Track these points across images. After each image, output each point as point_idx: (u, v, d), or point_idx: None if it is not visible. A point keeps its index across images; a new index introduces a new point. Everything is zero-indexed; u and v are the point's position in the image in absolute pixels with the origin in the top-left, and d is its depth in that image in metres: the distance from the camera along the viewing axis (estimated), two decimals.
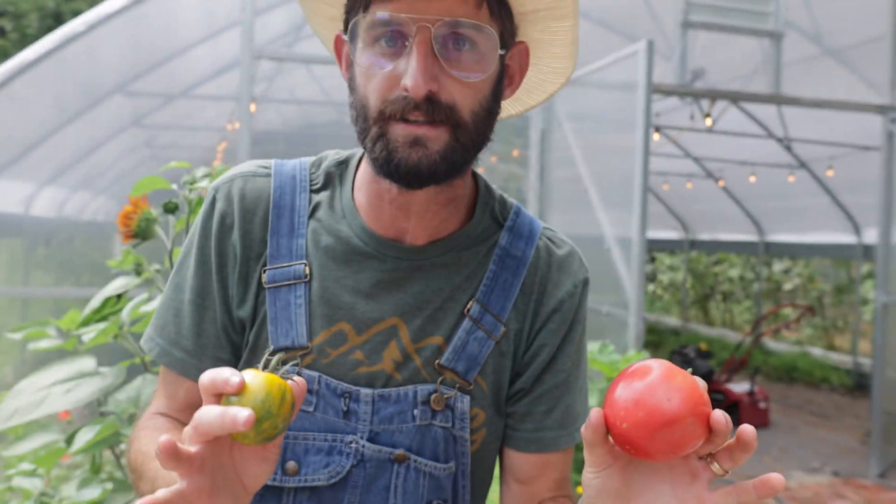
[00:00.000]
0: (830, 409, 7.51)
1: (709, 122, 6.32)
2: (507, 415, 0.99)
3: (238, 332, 0.94)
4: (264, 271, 0.91)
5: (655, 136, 7.83)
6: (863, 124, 6.17)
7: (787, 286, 11.30)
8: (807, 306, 7.43)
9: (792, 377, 8.94)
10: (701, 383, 0.69)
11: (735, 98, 4.77)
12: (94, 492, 1.27)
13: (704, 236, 11.39)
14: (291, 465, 0.88)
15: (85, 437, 1.29)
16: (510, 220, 0.99)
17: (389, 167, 0.83)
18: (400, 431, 0.90)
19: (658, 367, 0.69)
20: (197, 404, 0.87)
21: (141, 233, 1.41)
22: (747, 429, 0.68)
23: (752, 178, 8.36)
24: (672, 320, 12.83)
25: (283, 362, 0.85)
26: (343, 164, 0.98)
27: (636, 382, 0.69)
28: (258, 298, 0.92)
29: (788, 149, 7.75)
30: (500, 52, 0.86)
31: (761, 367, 8.68)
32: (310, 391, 0.89)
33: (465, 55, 0.83)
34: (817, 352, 9.91)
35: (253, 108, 4.21)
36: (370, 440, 0.89)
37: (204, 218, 0.94)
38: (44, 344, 1.43)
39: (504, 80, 0.91)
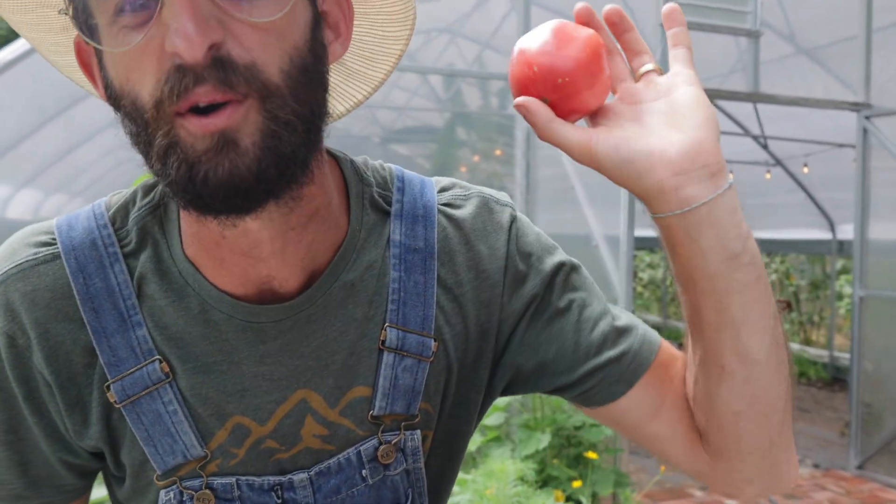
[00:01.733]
0: (809, 403, 7.52)
1: None
2: (566, 388, 0.80)
3: (90, 458, 0.73)
4: (107, 387, 0.67)
5: None
6: (837, 122, 6.18)
7: None
8: (784, 301, 7.45)
9: None
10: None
11: (714, 96, 4.74)
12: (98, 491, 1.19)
13: None
14: None
15: None
16: (395, 202, 0.75)
17: (195, 189, 0.57)
18: (351, 497, 0.74)
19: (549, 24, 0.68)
20: None
21: None
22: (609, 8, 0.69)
23: (730, 176, 8.34)
24: (652, 317, 12.83)
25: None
26: (160, 210, 0.71)
27: (531, 38, 0.67)
28: (109, 420, 0.69)
29: (765, 146, 7.76)
30: None
31: None
32: (229, 499, 0.70)
33: None
34: (794, 346, 9.94)
35: None
36: None
37: None
38: None
39: (323, 28, 0.65)
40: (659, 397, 0.79)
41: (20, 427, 0.70)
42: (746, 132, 7.47)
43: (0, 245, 0.72)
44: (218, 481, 0.70)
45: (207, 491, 0.70)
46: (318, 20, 0.64)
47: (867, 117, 4.97)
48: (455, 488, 1.83)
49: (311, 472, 0.72)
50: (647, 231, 12.89)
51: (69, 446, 0.71)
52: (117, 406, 0.68)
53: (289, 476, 0.72)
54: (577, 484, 3.54)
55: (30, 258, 0.68)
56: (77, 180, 5.47)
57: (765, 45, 4.77)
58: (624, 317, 0.82)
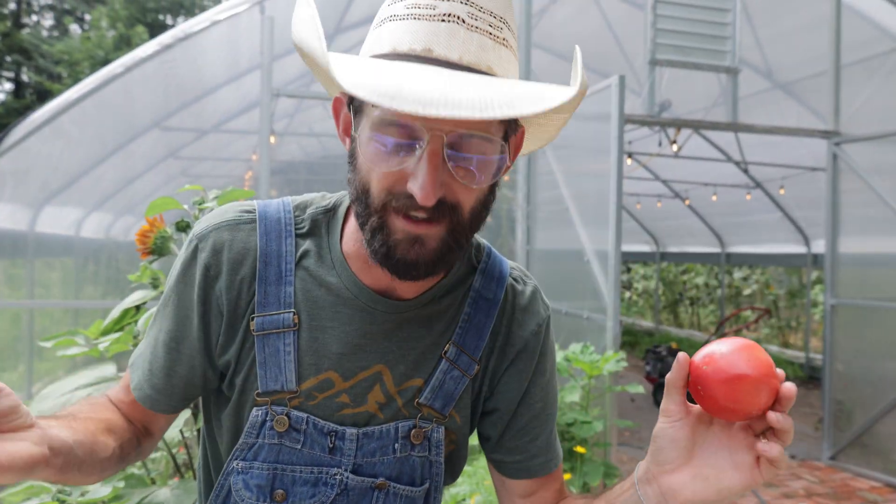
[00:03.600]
0: None
1: (675, 147, 6.27)
2: (493, 449, 0.95)
3: (216, 376, 0.86)
4: (252, 318, 0.82)
5: (628, 161, 7.79)
6: (810, 149, 6.13)
7: (747, 291, 11.20)
8: (764, 309, 7.35)
9: None
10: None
11: (697, 126, 4.72)
12: (104, 489, 1.20)
13: (673, 249, 11.32)
14: (279, 493, 0.84)
15: None
16: (483, 262, 0.92)
17: (388, 262, 0.75)
18: (381, 463, 0.86)
19: (742, 340, 0.73)
20: (151, 429, 0.88)
21: (157, 249, 1.35)
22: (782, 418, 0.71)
23: (714, 197, 8.30)
24: (646, 323, 12.72)
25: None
26: (330, 213, 0.88)
27: (723, 345, 0.72)
28: (245, 344, 0.83)
29: (745, 171, 7.70)
30: (507, 163, 0.76)
31: None
32: (297, 430, 0.83)
33: (473, 162, 0.73)
34: (774, 349, 9.79)
35: (273, 140, 4.16)
36: (353, 472, 0.85)
37: (185, 266, 0.84)
38: (71, 351, 1.37)
39: (503, 169, 0.79)
40: (538, 494, 0.95)
41: (185, 340, 0.83)
42: (729, 158, 7.42)
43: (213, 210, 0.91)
44: (295, 413, 0.82)
45: (285, 417, 0.82)
46: (501, 168, 0.76)
47: (837, 144, 4.92)
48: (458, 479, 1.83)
49: (360, 431, 0.84)
50: (642, 247, 12.76)
51: (213, 362, 0.84)
52: (253, 334, 0.82)
53: (344, 428, 0.83)
54: (567, 476, 3.50)
55: (236, 218, 0.85)
56: (141, 204, 5.53)
57: (743, 80, 4.74)
58: (556, 437, 0.98)
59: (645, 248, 11.73)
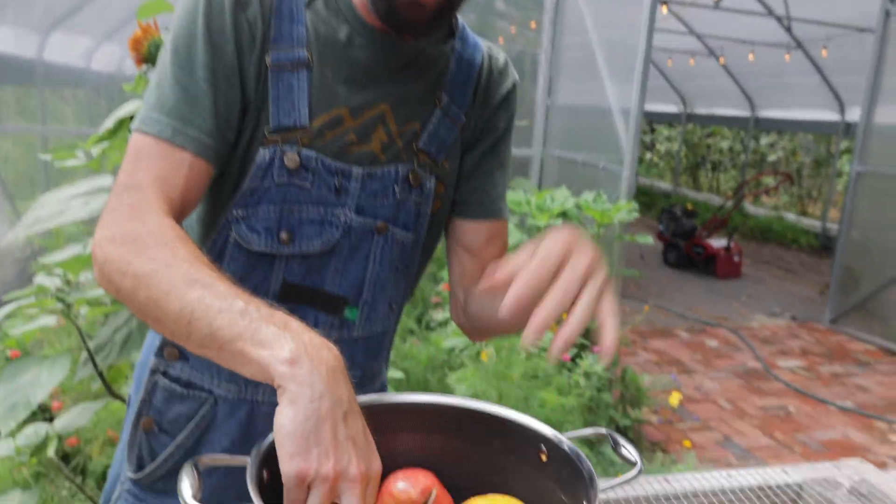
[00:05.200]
0: (797, 266, 7.45)
1: None
2: (456, 190, 0.97)
3: (242, 113, 0.82)
4: (267, 51, 0.80)
5: (663, 10, 7.30)
6: (860, 6, 5.67)
7: (771, 158, 10.93)
8: (785, 173, 7.20)
9: (766, 237, 8.82)
10: None
11: None
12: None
13: (701, 110, 10.92)
14: (285, 234, 0.83)
15: None
16: (460, 29, 0.95)
17: (389, 19, 0.78)
18: (381, 206, 0.88)
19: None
20: (198, 185, 0.78)
21: (152, 57, 1.28)
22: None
23: (751, 56, 7.85)
24: (665, 185, 12.58)
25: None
26: None
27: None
28: (260, 78, 0.81)
29: (788, 29, 7.20)
30: None
31: (739, 227, 8.55)
32: (307, 168, 0.82)
33: None
34: (791, 216, 9.71)
35: None
36: (356, 212, 0.86)
37: None
38: (70, 163, 1.34)
39: None
40: (483, 247, 0.98)
41: (221, 74, 0.79)
42: (771, 12, 6.92)
43: None
44: (305, 152, 0.82)
45: (296, 155, 0.82)
46: None
47: (891, 0, 4.54)
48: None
49: (365, 171, 0.86)
50: (669, 107, 12.34)
51: (246, 96, 0.81)
52: (270, 68, 0.80)
53: (351, 166, 0.85)
54: (565, 315, 3.59)
55: None
56: (102, 24, 5.28)
57: None
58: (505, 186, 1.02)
59: (672, 108, 11.33)
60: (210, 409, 0.89)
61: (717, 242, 6.62)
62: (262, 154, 0.81)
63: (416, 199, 0.91)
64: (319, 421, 0.54)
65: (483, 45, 0.98)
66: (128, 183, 0.75)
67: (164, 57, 0.80)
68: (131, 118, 1.32)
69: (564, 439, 0.69)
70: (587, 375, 2.79)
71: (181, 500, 0.53)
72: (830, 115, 8.25)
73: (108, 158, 1.29)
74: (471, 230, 0.97)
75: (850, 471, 1.11)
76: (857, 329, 5.01)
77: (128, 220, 0.70)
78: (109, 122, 1.29)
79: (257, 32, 0.80)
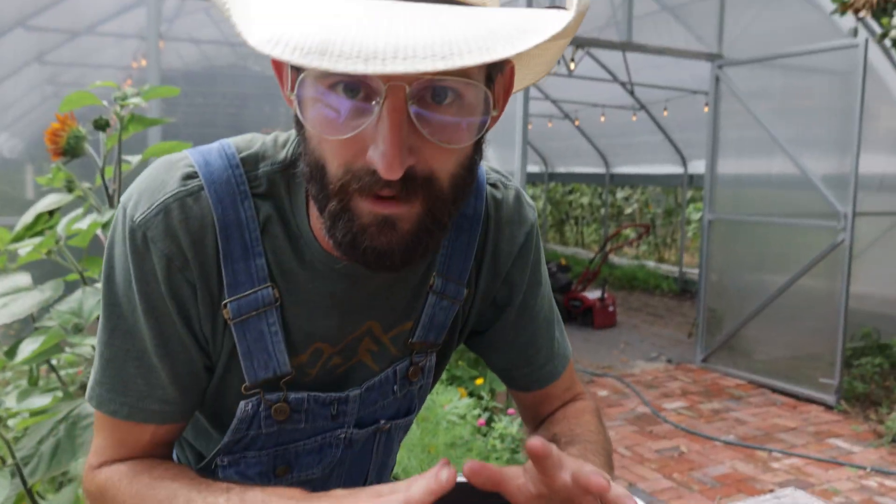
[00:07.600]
0: (663, 310, 8.03)
1: (572, 66, 6.39)
2: (501, 368, 0.90)
3: (208, 370, 0.75)
4: (225, 305, 0.69)
5: None
6: (693, 72, 6.43)
7: (628, 210, 11.85)
8: (645, 225, 7.83)
9: (632, 285, 9.46)
10: None
11: (595, 45, 4.84)
12: (43, 400, 1.13)
13: (561, 169, 11.70)
14: (281, 470, 0.79)
15: (29, 347, 1.10)
16: None
17: (355, 253, 0.61)
18: (382, 409, 0.82)
19: None
20: (165, 442, 0.73)
21: (70, 150, 1.22)
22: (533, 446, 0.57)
23: (602, 118, 8.60)
24: None
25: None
26: (289, 174, 0.71)
27: None
28: (224, 334, 0.71)
29: (632, 93, 7.99)
30: (492, 112, 0.60)
31: (608, 278, 9.13)
32: (298, 411, 0.75)
33: (448, 110, 0.57)
34: (651, 264, 10.52)
35: (162, 45, 3.85)
36: (357, 426, 0.80)
37: (137, 263, 0.67)
38: None
39: (489, 121, 0.61)
40: (541, 407, 0.93)
41: (171, 340, 0.70)
42: (615, 79, 7.67)
43: (140, 176, 0.71)
44: (293, 396, 0.74)
45: (284, 404, 0.74)
46: (486, 121, 0.60)
47: (720, 66, 5.20)
48: None
49: (362, 389, 0.78)
50: (532, 167, 12.93)
51: (208, 353, 0.73)
52: (230, 322, 0.69)
53: (346, 392, 0.77)
54: (479, 381, 3.69)
55: (182, 190, 0.68)
56: (2, 115, 4.98)
57: (636, 3, 4.89)
58: (559, 336, 0.91)
59: (534, 168, 12.07)
60: None
61: (592, 294, 7.01)
62: (244, 408, 0.73)
63: (419, 384, 0.84)
64: None
65: (486, 179, 0.82)
66: (100, 457, 0.74)
67: (106, 329, 0.71)
68: (51, 213, 1.26)
69: None
70: (502, 438, 2.86)
71: None
72: (675, 168, 9.12)
73: (32, 253, 1.22)
74: (525, 398, 0.93)
75: (788, 500, 1.17)
76: (725, 366, 5.47)
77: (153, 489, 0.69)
78: (28, 217, 1.21)
79: (206, 288, 0.69)
